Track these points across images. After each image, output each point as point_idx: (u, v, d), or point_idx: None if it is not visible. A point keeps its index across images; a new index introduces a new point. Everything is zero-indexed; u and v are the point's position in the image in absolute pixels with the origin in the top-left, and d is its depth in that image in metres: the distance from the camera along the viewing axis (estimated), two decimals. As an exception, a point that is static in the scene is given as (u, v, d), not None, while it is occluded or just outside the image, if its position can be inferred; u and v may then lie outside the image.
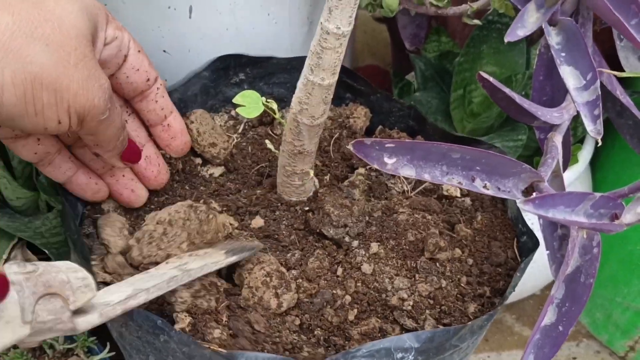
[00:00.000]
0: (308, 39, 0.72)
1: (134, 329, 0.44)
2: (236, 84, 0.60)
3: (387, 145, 0.43)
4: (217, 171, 0.57)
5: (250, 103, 0.49)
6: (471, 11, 0.61)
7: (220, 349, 0.43)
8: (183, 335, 0.41)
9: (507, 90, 0.49)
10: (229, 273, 0.49)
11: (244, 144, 0.59)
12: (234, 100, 0.49)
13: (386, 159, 0.43)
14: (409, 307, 0.47)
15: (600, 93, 0.45)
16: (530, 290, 0.82)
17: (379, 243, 0.51)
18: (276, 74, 0.62)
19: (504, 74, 0.67)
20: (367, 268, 0.49)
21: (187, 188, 0.55)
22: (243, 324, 0.45)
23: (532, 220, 0.67)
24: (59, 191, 0.51)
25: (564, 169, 0.58)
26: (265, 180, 0.55)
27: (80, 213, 0.52)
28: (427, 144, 0.42)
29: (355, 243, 0.51)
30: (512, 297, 0.83)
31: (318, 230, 0.51)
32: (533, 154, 0.70)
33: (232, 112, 0.61)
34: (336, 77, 0.44)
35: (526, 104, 0.50)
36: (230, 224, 0.51)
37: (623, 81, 0.74)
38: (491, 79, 0.47)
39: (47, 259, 0.59)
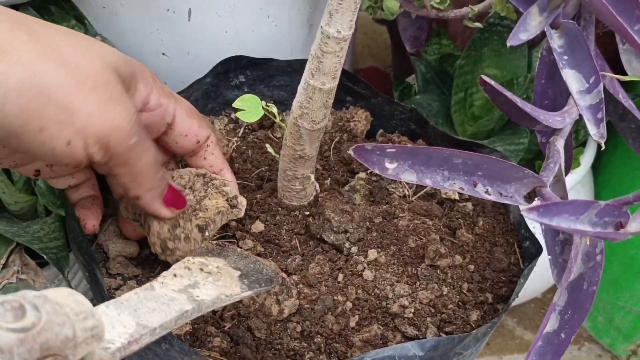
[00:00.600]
0: (308, 42, 0.72)
1: (133, 337, 0.43)
2: (236, 87, 0.60)
3: (388, 151, 0.42)
4: (216, 175, 0.57)
5: (250, 107, 0.49)
6: (472, 14, 0.60)
7: (221, 358, 0.43)
8: (184, 344, 0.41)
9: (508, 93, 0.48)
10: None
11: (244, 147, 0.58)
12: (234, 105, 0.49)
13: (387, 164, 0.43)
14: (410, 315, 0.47)
15: (603, 96, 0.44)
16: (531, 294, 0.81)
17: (379, 249, 0.51)
18: (276, 77, 0.61)
19: (505, 77, 0.67)
20: (368, 274, 0.49)
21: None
22: (244, 331, 0.45)
23: (533, 224, 0.67)
24: (60, 195, 0.50)
25: (566, 173, 0.57)
26: (266, 185, 0.55)
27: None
28: (428, 149, 0.41)
29: (355, 249, 0.51)
30: (514, 301, 0.82)
31: (318, 236, 0.51)
32: (534, 158, 0.70)
33: (232, 115, 0.61)
34: (337, 81, 0.44)
35: (528, 107, 0.50)
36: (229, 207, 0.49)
37: (625, 85, 0.73)
38: (492, 82, 0.47)
39: (45, 263, 0.58)
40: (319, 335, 0.46)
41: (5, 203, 0.56)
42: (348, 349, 0.46)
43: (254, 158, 0.57)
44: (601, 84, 0.47)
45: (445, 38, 0.74)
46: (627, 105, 0.60)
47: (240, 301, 0.47)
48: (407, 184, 0.56)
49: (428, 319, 0.47)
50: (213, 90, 0.59)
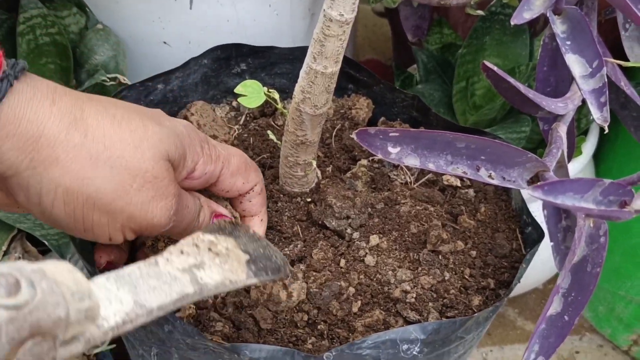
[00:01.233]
0: (310, 32, 0.72)
1: (136, 320, 0.43)
2: (238, 74, 0.60)
3: (391, 135, 0.42)
4: (218, 163, 0.57)
5: (251, 93, 0.49)
6: (474, 1, 0.60)
7: (223, 342, 0.43)
8: (187, 326, 0.41)
9: (511, 79, 0.48)
10: None
11: (245, 135, 0.58)
12: (236, 90, 0.49)
13: (390, 148, 0.43)
14: (412, 300, 0.47)
15: (606, 80, 0.44)
16: (532, 284, 0.82)
17: (381, 235, 0.51)
18: (278, 65, 0.61)
19: (507, 65, 0.67)
20: (370, 260, 0.49)
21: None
22: (246, 316, 0.45)
23: (536, 213, 0.67)
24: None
25: (569, 160, 0.57)
26: (267, 172, 0.55)
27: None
28: (431, 133, 0.41)
29: (357, 235, 0.51)
30: (515, 291, 0.82)
31: (320, 222, 0.51)
32: (536, 147, 0.70)
33: (234, 103, 0.61)
34: (339, 65, 0.44)
35: (531, 93, 0.50)
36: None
37: (628, 73, 0.73)
38: (495, 68, 0.47)
39: (47, 251, 0.58)
40: (322, 322, 0.46)
41: (7, 190, 0.56)
42: (350, 334, 0.46)
43: (255, 145, 0.57)
44: (604, 68, 0.47)
45: (447, 27, 0.74)
46: (629, 93, 0.60)
47: (247, 291, 0.46)
48: (409, 171, 0.56)
49: (430, 304, 0.47)
50: (214, 77, 0.59)
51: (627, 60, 0.57)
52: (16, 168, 0.35)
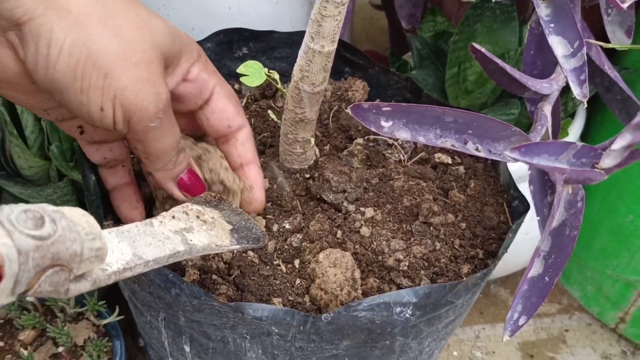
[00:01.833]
0: (308, 19, 0.75)
1: (146, 285, 0.46)
2: (239, 58, 0.63)
3: (383, 109, 0.45)
4: (221, 142, 0.60)
5: (253, 73, 0.52)
6: (465, -11, 0.63)
7: (227, 302, 0.45)
8: (194, 287, 0.43)
9: (498, 61, 0.51)
10: None
11: (247, 116, 0.61)
12: (238, 70, 0.52)
13: (383, 123, 0.45)
14: (405, 268, 0.50)
15: (586, 59, 0.47)
16: (523, 263, 0.84)
17: (375, 208, 0.53)
18: (278, 49, 0.64)
19: (497, 51, 0.70)
20: (365, 231, 0.52)
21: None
22: (250, 279, 0.48)
23: (525, 192, 0.70)
24: (77, 158, 0.53)
25: (553, 139, 0.60)
26: (268, 150, 0.58)
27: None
28: (421, 107, 0.44)
29: (353, 207, 0.53)
30: (506, 271, 0.85)
31: (318, 196, 0.54)
32: (526, 130, 0.72)
33: (236, 86, 0.63)
34: (335, 44, 0.47)
35: (517, 74, 0.53)
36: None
37: (612, 57, 0.76)
38: (483, 49, 0.50)
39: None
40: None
41: (20, 167, 0.59)
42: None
43: (256, 125, 0.60)
44: (584, 48, 0.49)
45: (440, 15, 0.77)
46: (613, 76, 0.62)
47: (241, 258, 0.49)
48: (403, 149, 0.59)
49: (422, 271, 0.50)
50: (217, 60, 0.62)
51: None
52: (32, 13, 0.37)
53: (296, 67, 0.49)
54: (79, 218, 0.31)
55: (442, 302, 0.47)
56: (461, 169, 0.58)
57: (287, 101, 0.51)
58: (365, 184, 0.55)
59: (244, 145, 0.50)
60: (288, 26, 0.73)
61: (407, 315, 0.45)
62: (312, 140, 0.54)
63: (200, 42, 0.61)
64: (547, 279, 0.42)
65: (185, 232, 0.41)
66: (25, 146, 0.57)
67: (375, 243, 0.51)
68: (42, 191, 0.58)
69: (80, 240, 0.30)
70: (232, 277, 0.49)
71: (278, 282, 0.49)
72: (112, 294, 0.74)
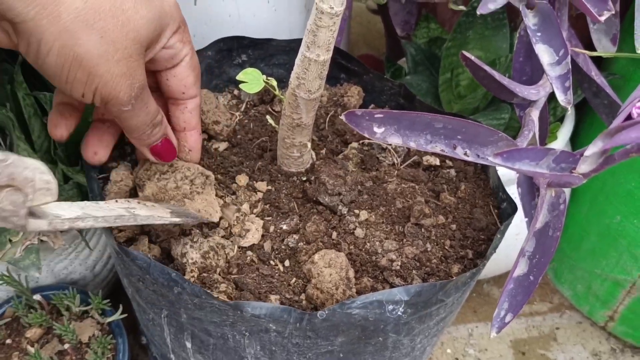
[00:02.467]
0: (305, 26, 0.77)
1: (150, 283, 0.48)
2: (239, 65, 0.65)
3: (376, 116, 0.47)
4: (221, 146, 0.62)
5: (252, 80, 0.54)
6: (457, -2, 0.65)
7: (227, 300, 0.47)
8: (195, 286, 0.45)
9: (487, 68, 0.53)
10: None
11: (246, 121, 0.63)
12: (237, 77, 0.54)
13: (375, 129, 0.47)
14: (398, 267, 0.52)
15: (570, 67, 0.49)
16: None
17: (369, 210, 0.55)
18: (276, 56, 0.66)
19: (489, 57, 0.72)
20: (359, 232, 0.54)
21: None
22: (249, 277, 0.50)
23: (514, 195, 0.72)
24: (82, 163, 0.55)
25: (541, 143, 0.62)
26: (266, 154, 0.60)
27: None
28: (412, 114, 0.46)
29: (348, 210, 0.55)
30: (498, 270, 0.87)
31: (314, 198, 0.56)
32: (516, 134, 0.74)
33: (235, 92, 0.66)
34: (330, 54, 0.49)
35: (505, 81, 0.55)
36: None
37: (600, 64, 0.78)
38: (473, 57, 0.52)
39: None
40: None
41: (27, 171, 0.61)
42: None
43: (255, 130, 0.62)
44: (569, 57, 0.51)
45: (434, 22, 0.79)
46: (600, 82, 0.65)
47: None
48: (396, 153, 0.61)
49: (414, 271, 0.52)
50: (217, 67, 0.64)
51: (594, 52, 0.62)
52: (24, 17, 0.40)
53: (293, 75, 0.51)
54: (31, 160, 0.37)
55: (433, 300, 0.49)
56: (452, 172, 0.60)
57: (285, 107, 0.53)
58: (359, 187, 0.57)
59: (191, 114, 0.55)
60: (286, 33, 0.75)
61: (399, 312, 0.47)
62: (309, 144, 0.56)
63: (201, 50, 0.63)
64: (531, 277, 0.44)
65: (130, 209, 0.48)
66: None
67: (369, 244, 0.53)
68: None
69: (32, 170, 0.37)
70: (232, 275, 0.51)
71: (275, 280, 0.51)
72: (115, 293, 0.76)
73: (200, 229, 0.53)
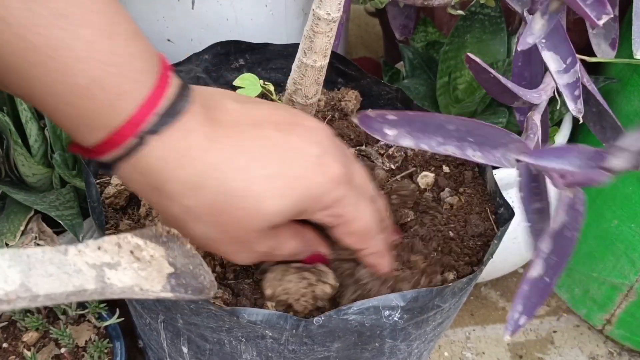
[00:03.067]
0: (303, 30, 0.77)
1: (145, 288, 0.48)
2: (236, 69, 0.65)
3: (389, 118, 0.45)
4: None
5: (249, 85, 0.54)
6: (455, 2, 0.65)
7: (224, 306, 0.47)
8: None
9: (492, 70, 0.53)
10: None
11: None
12: (234, 83, 0.54)
13: (387, 131, 0.45)
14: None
15: (580, 75, 0.49)
16: (512, 266, 0.86)
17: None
18: (273, 60, 0.66)
19: (487, 61, 0.71)
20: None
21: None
22: (245, 283, 0.50)
23: (510, 196, 0.72)
24: (82, 165, 0.54)
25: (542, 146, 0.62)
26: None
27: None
28: (425, 115, 0.44)
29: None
30: (496, 273, 0.87)
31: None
32: (514, 137, 0.75)
33: (232, 96, 0.66)
34: (327, 59, 0.49)
35: (509, 84, 0.54)
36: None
37: (599, 70, 0.78)
38: (477, 59, 0.51)
39: (61, 232, 0.63)
40: None
41: (24, 175, 0.61)
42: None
43: (252, 134, 0.62)
44: (578, 64, 0.51)
45: (431, 26, 0.79)
46: (591, 89, 0.65)
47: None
48: (393, 158, 0.61)
49: (411, 278, 0.52)
50: (214, 70, 0.64)
51: (592, 56, 0.62)
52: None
53: (290, 80, 0.51)
54: None
55: (429, 306, 0.49)
56: (446, 191, 0.60)
57: (282, 112, 0.53)
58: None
59: (367, 258, 0.47)
60: (284, 36, 0.75)
61: (395, 318, 0.47)
62: (306, 149, 0.56)
63: (198, 54, 0.63)
64: (547, 279, 0.43)
65: (107, 268, 0.35)
66: (29, 154, 0.59)
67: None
68: (46, 198, 0.60)
69: None
70: (228, 280, 0.51)
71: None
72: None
73: None
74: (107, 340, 0.64)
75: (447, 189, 0.59)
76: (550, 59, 0.54)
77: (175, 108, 0.37)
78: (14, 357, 0.62)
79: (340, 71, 0.66)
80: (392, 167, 0.61)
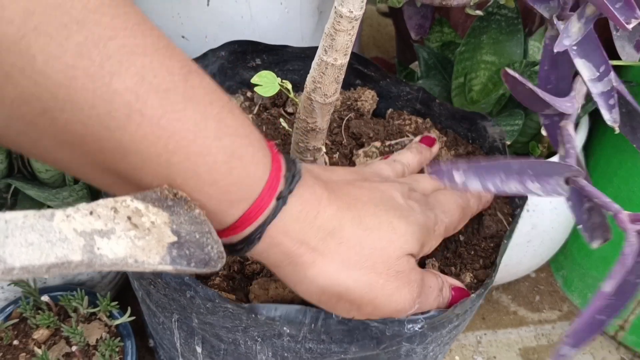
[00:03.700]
0: (318, 29, 0.76)
1: (161, 287, 0.47)
2: (253, 68, 0.64)
3: (459, 168, 0.46)
4: (233, 148, 0.61)
5: (266, 83, 0.53)
6: (473, 2, 0.65)
7: (242, 304, 0.47)
8: (209, 290, 0.45)
9: (530, 84, 0.52)
10: None
11: (259, 123, 0.62)
12: (252, 80, 0.53)
13: (456, 176, 0.46)
14: None
15: (614, 84, 0.48)
16: (525, 271, 0.86)
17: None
18: (290, 62, 0.65)
19: (503, 62, 0.71)
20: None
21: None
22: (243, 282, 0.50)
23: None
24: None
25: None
26: (279, 157, 0.59)
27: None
28: (491, 162, 0.45)
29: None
30: (508, 277, 0.87)
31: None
32: (530, 140, 0.74)
33: (248, 94, 0.65)
34: (347, 58, 0.48)
35: (547, 97, 0.54)
36: None
37: (619, 72, 0.77)
38: (516, 74, 0.50)
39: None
40: None
41: (37, 171, 0.60)
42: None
43: (267, 133, 0.62)
44: (612, 73, 0.50)
45: (447, 26, 0.79)
46: (620, 89, 0.64)
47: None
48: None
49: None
50: (230, 68, 0.64)
51: (618, 58, 0.61)
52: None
53: (309, 79, 0.50)
54: None
55: (448, 315, 0.48)
56: None
57: (299, 111, 0.53)
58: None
59: None
60: (298, 34, 0.74)
61: (416, 328, 0.46)
62: (323, 148, 0.56)
63: (214, 50, 0.63)
64: (603, 317, 0.43)
65: (98, 236, 0.31)
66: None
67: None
68: (59, 194, 0.59)
69: None
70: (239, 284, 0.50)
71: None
72: (123, 295, 0.76)
73: None
74: (119, 338, 0.63)
75: None
76: (582, 66, 0.53)
77: (294, 166, 0.41)
78: (24, 354, 0.62)
79: (358, 72, 0.65)
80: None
